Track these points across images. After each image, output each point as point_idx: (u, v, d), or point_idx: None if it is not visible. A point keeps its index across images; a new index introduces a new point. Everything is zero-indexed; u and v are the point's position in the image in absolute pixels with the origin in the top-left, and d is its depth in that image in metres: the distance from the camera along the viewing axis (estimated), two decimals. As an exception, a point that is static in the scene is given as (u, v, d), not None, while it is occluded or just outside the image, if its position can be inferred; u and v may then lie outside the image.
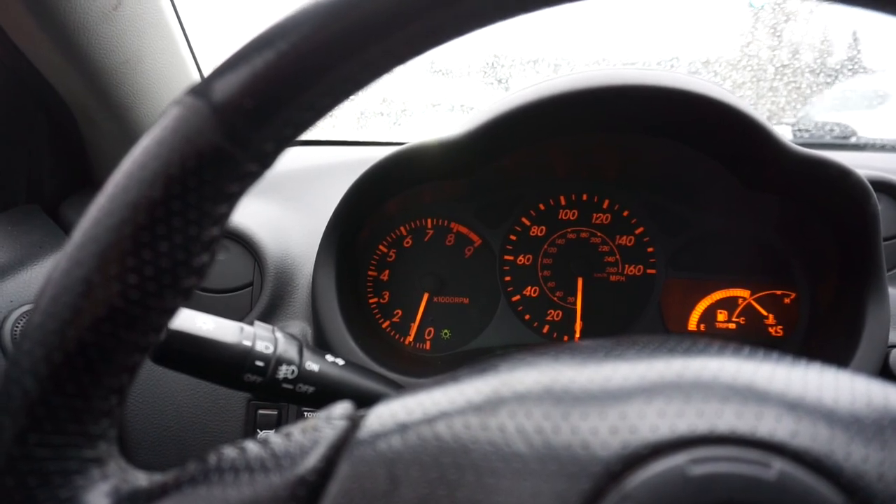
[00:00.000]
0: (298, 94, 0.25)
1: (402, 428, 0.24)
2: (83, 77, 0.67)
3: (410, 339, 0.80)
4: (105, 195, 0.25)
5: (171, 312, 0.26)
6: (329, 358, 0.45)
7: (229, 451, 0.26)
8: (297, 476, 0.24)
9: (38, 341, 0.24)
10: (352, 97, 0.28)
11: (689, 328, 0.77)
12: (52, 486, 0.25)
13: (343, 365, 0.46)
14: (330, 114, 0.28)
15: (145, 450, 0.75)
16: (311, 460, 0.24)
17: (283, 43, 0.25)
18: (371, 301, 0.81)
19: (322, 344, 0.70)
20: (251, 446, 0.26)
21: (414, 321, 0.80)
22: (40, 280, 0.71)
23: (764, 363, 0.25)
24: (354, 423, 0.26)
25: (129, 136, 0.78)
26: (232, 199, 0.26)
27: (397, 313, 0.81)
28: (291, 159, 0.92)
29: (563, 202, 0.79)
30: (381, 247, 0.81)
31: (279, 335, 0.44)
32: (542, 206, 0.79)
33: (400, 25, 0.25)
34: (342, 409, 0.27)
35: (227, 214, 0.27)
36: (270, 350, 0.42)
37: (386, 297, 0.81)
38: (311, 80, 0.25)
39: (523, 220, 0.79)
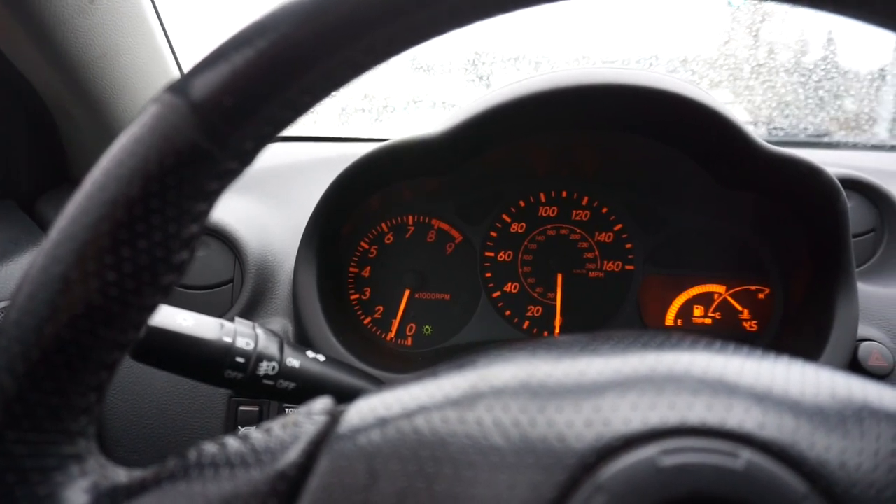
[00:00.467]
0: (278, 92, 0.25)
1: (382, 422, 0.25)
2: (60, 71, 0.66)
3: (392, 335, 0.80)
4: (83, 193, 0.25)
5: (150, 309, 0.26)
6: (310, 354, 0.46)
7: (209, 447, 0.26)
8: (277, 471, 0.24)
9: (15, 338, 0.24)
10: (332, 95, 0.28)
11: (667, 323, 0.78)
12: (30, 482, 0.25)
13: (324, 361, 0.46)
14: (310, 111, 0.28)
15: (125, 447, 0.75)
16: (291, 455, 0.25)
17: (262, 41, 0.25)
18: (352, 297, 0.81)
19: (303, 340, 0.70)
20: (231, 442, 0.26)
21: (395, 317, 0.80)
22: (16, 276, 0.70)
23: (734, 357, 0.25)
24: (334, 418, 0.26)
25: (106, 132, 0.77)
26: (211, 196, 0.26)
27: (379, 309, 0.81)
28: (273, 155, 0.92)
29: (542, 199, 0.80)
30: (362, 243, 0.81)
31: (260, 331, 0.44)
32: (522, 203, 0.80)
33: (380, 24, 0.25)
34: (322, 404, 0.28)
35: (206, 212, 0.27)
36: (251, 346, 0.42)
37: (367, 293, 0.81)
38: (291, 79, 0.25)
39: (504, 216, 0.80)
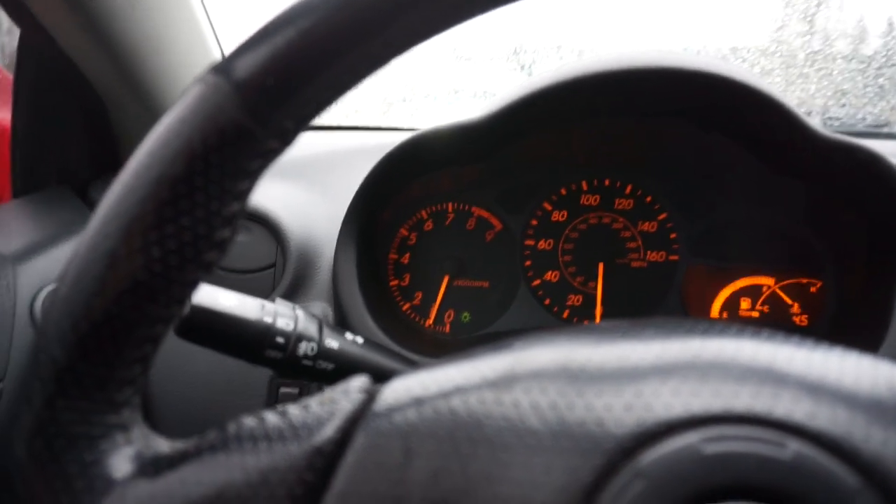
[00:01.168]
0: (319, 72, 0.26)
1: (418, 402, 0.25)
2: (109, 61, 0.68)
3: (430, 321, 0.81)
4: (129, 171, 0.26)
5: (193, 285, 0.27)
6: (349, 336, 0.46)
7: (248, 421, 0.27)
8: (313, 446, 0.25)
9: (66, 312, 0.25)
10: (372, 75, 0.28)
11: (712, 315, 0.76)
12: (78, 449, 0.26)
13: (362, 343, 0.47)
14: (351, 91, 0.28)
15: (172, 421, 0.77)
16: (328, 431, 0.25)
17: (304, 21, 0.25)
18: (392, 283, 0.82)
19: (343, 325, 0.71)
20: (270, 416, 0.27)
21: (434, 304, 0.80)
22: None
23: (784, 345, 0.24)
24: (371, 396, 0.26)
25: (154, 119, 0.79)
26: (253, 175, 0.27)
27: (417, 296, 0.81)
28: (316, 144, 0.93)
29: (584, 187, 0.78)
30: (402, 230, 0.81)
31: (300, 312, 0.45)
32: (563, 191, 0.78)
33: (418, 4, 0.25)
34: (359, 382, 0.28)
35: (248, 191, 0.27)
36: (291, 327, 0.43)
37: (406, 279, 0.81)
38: (332, 59, 0.25)
39: (545, 204, 0.79)
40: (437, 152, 0.71)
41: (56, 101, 0.77)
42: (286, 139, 0.27)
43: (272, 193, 0.83)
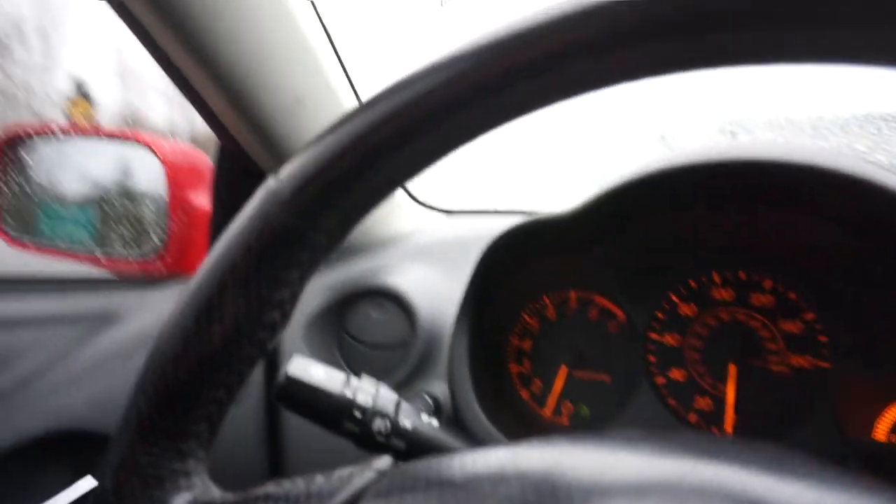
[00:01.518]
0: (357, 181, 0.30)
1: (408, 489, 0.26)
2: (277, 160, 0.81)
3: (549, 412, 0.79)
4: (208, 259, 0.32)
5: (249, 359, 0.32)
6: (424, 418, 0.48)
7: (285, 483, 0.30)
8: None
9: (150, 370, 0.31)
10: (411, 180, 0.32)
11: (875, 438, 0.64)
12: (149, 486, 0.31)
13: (436, 427, 0.48)
14: (391, 194, 0.32)
15: (303, 471, 0.84)
16: (334, 502, 0.27)
17: (343, 137, 0.29)
18: (512, 368, 0.82)
19: (455, 408, 0.73)
20: (300, 482, 0.30)
21: (551, 393, 0.79)
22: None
23: (803, 477, 0.22)
24: (380, 476, 0.28)
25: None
26: (303, 266, 0.31)
27: (536, 383, 0.81)
28: (457, 228, 0.99)
29: (716, 279, 0.73)
30: (524, 315, 0.82)
31: (382, 390, 0.48)
32: (692, 283, 0.74)
33: (442, 120, 0.28)
34: (382, 462, 0.30)
35: (298, 279, 0.32)
36: (369, 403, 0.46)
37: (526, 365, 0.81)
38: (366, 171, 0.29)
39: (672, 296, 0.75)
40: (545, 238, 0.71)
41: (240, 192, 0.92)
42: (333, 237, 0.32)
43: (411, 276, 0.90)
